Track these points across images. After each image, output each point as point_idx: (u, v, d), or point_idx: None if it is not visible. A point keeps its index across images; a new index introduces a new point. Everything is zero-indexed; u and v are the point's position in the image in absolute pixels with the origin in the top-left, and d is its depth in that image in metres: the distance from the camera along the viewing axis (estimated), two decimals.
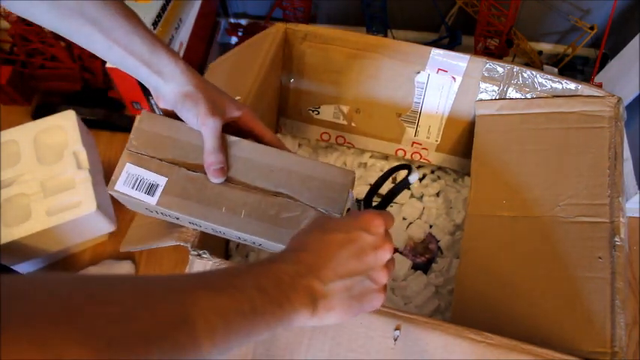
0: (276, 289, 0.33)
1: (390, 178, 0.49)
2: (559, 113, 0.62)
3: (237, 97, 0.61)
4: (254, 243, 0.46)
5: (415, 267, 0.70)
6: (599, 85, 0.82)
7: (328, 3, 1.04)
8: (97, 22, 0.41)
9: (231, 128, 0.47)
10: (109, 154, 0.85)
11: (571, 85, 0.62)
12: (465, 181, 0.77)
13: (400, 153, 0.76)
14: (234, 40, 1.09)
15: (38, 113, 0.87)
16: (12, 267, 0.69)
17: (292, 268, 0.34)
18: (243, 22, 1.10)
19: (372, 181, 0.76)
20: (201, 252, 0.48)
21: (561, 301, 0.50)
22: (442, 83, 0.68)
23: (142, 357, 0.25)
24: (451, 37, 0.97)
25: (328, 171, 0.46)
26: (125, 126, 0.88)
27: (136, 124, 0.46)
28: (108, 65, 0.81)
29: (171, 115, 0.46)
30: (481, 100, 0.67)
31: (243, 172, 0.46)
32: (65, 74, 0.90)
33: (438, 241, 0.72)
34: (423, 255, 0.71)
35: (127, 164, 0.45)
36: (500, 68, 0.65)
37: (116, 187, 0.45)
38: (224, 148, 0.45)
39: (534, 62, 0.92)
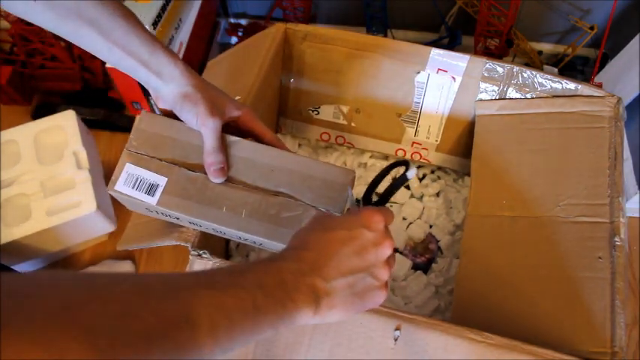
0: (279, 288, 0.33)
1: (389, 176, 0.49)
2: (559, 113, 0.62)
3: (237, 97, 0.61)
4: (255, 243, 0.46)
5: (415, 267, 0.70)
6: (599, 85, 0.82)
7: (328, 3, 1.04)
8: (95, 23, 0.41)
9: (231, 128, 0.47)
10: (109, 154, 0.85)
11: (571, 85, 0.62)
12: (465, 181, 0.77)
13: (400, 153, 0.76)
14: (234, 40, 1.09)
15: (38, 113, 0.87)
16: (12, 267, 0.69)
17: (294, 266, 0.34)
18: (243, 22, 1.10)
19: None
20: (201, 252, 0.48)
21: (561, 301, 0.50)
22: (442, 83, 0.68)
23: (143, 356, 0.25)
24: (451, 37, 0.97)
25: (328, 170, 0.46)
26: (125, 126, 0.88)
27: (135, 124, 0.46)
28: (108, 65, 0.81)
29: (171, 115, 0.46)
30: (481, 100, 0.67)
31: (244, 172, 0.46)
32: (65, 74, 0.90)
33: (438, 241, 0.72)
34: (423, 255, 0.71)
35: (127, 164, 0.45)
36: (500, 68, 0.65)
37: (116, 187, 0.45)
38: (224, 148, 0.45)
39: (534, 62, 0.92)
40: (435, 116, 0.71)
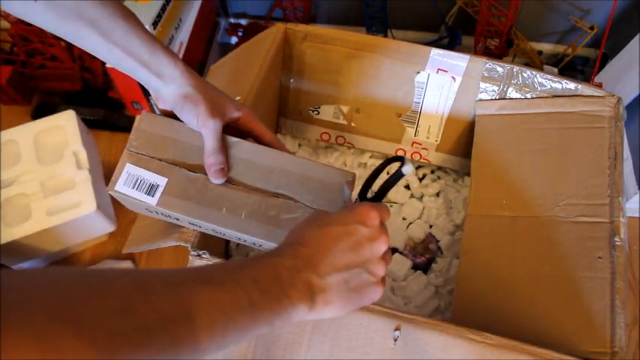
0: (275, 284, 0.33)
1: (387, 173, 0.49)
2: (559, 113, 0.62)
3: (237, 98, 0.61)
4: (254, 244, 0.46)
5: (415, 267, 0.70)
6: (599, 85, 0.82)
7: (328, 3, 1.04)
8: (96, 24, 0.41)
9: (231, 129, 0.47)
10: (109, 154, 0.85)
11: (571, 85, 0.62)
12: (465, 181, 0.77)
13: (400, 153, 0.76)
14: (234, 40, 1.09)
15: (38, 113, 0.87)
16: (12, 267, 0.69)
17: (290, 262, 0.34)
18: (243, 22, 1.10)
19: None
20: (201, 252, 0.48)
21: (561, 301, 0.50)
22: (442, 83, 0.68)
23: (142, 351, 0.25)
24: (451, 37, 0.97)
25: (328, 172, 0.46)
26: (125, 126, 0.88)
27: (136, 124, 0.46)
28: (108, 65, 0.81)
29: (171, 115, 0.46)
30: (481, 100, 0.67)
31: (244, 173, 0.46)
32: (65, 74, 0.90)
33: (438, 241, 0.72)
34: (423, 255, 0.71)
35: (127, 164, 0.45)
36: (500, 68, 0.65)
37: (116, 188, 0.45)
38: (224, 149, 0.45)
39: (534, 62, 0.92)
40: (435, 116, 0.71)
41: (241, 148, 0.46)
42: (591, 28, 0.86)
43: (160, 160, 0.45)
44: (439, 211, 0.75)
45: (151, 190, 0.45)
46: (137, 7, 0.76)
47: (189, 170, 0.45)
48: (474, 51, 0.95)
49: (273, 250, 0.37)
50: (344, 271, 0.35)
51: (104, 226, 0.72)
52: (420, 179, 0.79)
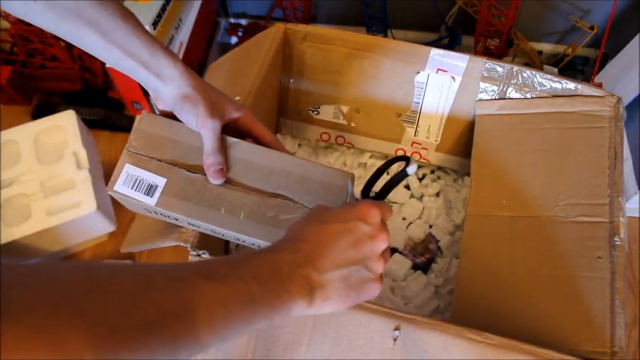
0: (275, 279, 0.33)
1: (387, 173, 0.50)
2: (559, 113, 0.62)
3: (237, 98, 0.61)
4: (253, 244, 0.46)
5: (415, 267, 0.70)
6: (599, 85, 0.82)
7: (328, 3, 1.04)
8: (95, 24, 0.41)
9: (230, 129, 0.47)
10: (109, 154, 0.85)
11: (571, 85, 0.62)
12: (465, 181, 0.77)
13: (400, 153, 0.76)
14: (234, 40, 1.09)
15: (38, 113, 0.87)
16: None
17: (290, 257, 0.34)
18: (243, 22, 1.10)
19: None
20: (200, 252, 0.48)
21: (561, 301, 0.50)
22: (442, 83, 0.68)
23: (143, 345, 0.25)
24: (451, 37, 0.97)
25: (327, 173, 0.46)
26: (125, 126, 0.88)
27: (135, 124, 0.47)
28: (108, 65, 0.81)
29: (170, 116, 0.46)
30: (481, 99, 0.67)
31: (243, 174, 0.46)
32: (65, 74, 0.90)
33: (438, 241, 0.72)
34: (423, 255, 0.71)
35: (127, 165, 0.45)
36: (499, 68, 0.65)
37: (115, 188, 0.45)
38: (223, 149, 0.45)
39: (534, 62, 0.92)
40: (435, 116, 0.71)
41: (240, 148, 0.46)
42: (591, 28, 0.86)
43: (160, 160, 0.46)
44: (439, 211, 0.75)
45: (150, 190, 0.45)
46: (137, 7, 0.76)
47: (189, 171, 0.45)
48: (474, 51, 0.95)
49: (274, 245, 0.37)
50: (343, 268, 0.36)
51: (104, 226, 0.72)
52: (420, 179, 0.79)
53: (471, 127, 0.69)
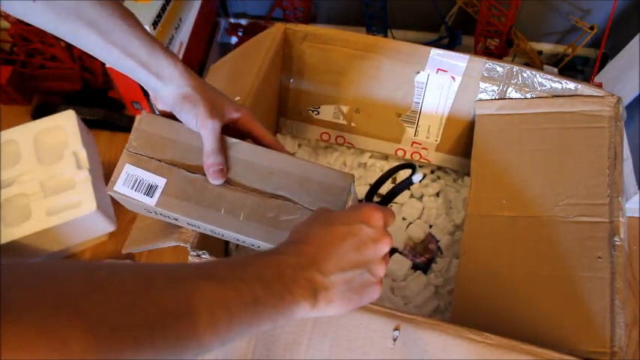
0: (278, 282, 0.33)
1: (391, 178, 0.50)
2: (559, 113, 0.62)
3: (237, 98, 0.61)
4: (253, 245, 0.46)
5: (415, 267, 0.70)
6: (599, 85, 0.82)
7: (328, 3, 1.04)
8: (95, 24, 0.41)
9: (230, 130, 0.47)
10: (109, 154, 0.85)
11: (571, 85, 0.62)
12: (465, 181, 0.77)
13: (400, 153, 0.76)
14: (234, 40, 1.09)
15: (38, 113, 0.87)
16: None
17: (294, 260, 0.34)
18: (243, 22, 1.10)
19: (372, 181, 0.76)
20: (200, 252, 0.48)
21: (561, 301, 0.50)
22: (442, 83, 0.68)
23: (144, 346, 0.25)
24: (451, 37, 0.97)
25: (327, 174, 0.46)
26: (125, 126, 0.88)
27: (135, 124, 0.47)
28: (108, 65, 0.81)
29: (169, 116, 0.46)
30: (481, 99, 0.67)
31: (243, 174, 0.46)
32: (65, 74, 0.90)
33: (438, 241, 0.72)
34: (423, 255, 0.71)
35: (127, 165, 0.45)
36: (499, 68, 0.65)
37: (115, 188, 0.45)
38: (223, 149, 0.45)
39: (534, 62, 0.92)
40: (435, 116, 0.71)
41: (240, 149, 0.46)
42: (591, 28, 0.86)
43: (159, 160, 0.45)
44: (439, 211, 0.75)
45: (149, 190, 0.45)
46: (137, 7, 0.76)
47: (188, 171, 0.45)
48: (474, 51, 0.95)
49: (277, 247, 0.37)
50: (347, 271, 0.36)
51: (104, 226, 0.72)
52: (420, 179, 0.79)
53: (470, 127, 0.69)
